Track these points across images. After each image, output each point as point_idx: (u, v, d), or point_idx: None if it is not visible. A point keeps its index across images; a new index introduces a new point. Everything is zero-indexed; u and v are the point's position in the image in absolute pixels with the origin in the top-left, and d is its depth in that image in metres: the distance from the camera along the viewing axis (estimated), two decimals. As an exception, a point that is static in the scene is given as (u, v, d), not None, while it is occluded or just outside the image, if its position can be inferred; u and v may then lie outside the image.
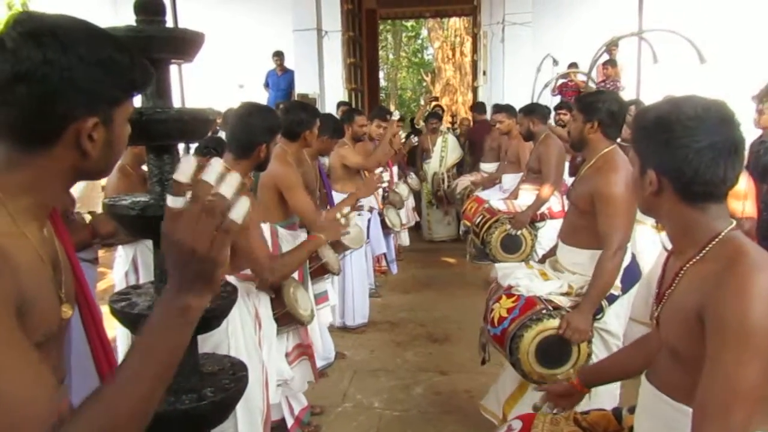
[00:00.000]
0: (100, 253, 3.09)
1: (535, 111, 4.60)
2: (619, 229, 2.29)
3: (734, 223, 1.21)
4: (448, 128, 8.76)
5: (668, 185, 1.20)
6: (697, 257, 1.20)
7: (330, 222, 2.54)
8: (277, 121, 2.39)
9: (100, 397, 0.83)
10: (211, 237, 0.79)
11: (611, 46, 7.20)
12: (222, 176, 0.79)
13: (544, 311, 2.29)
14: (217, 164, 0.79)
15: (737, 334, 1.04)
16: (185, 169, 0.79)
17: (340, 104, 7.36)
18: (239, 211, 0.79)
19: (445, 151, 7.06)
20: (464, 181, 6.27)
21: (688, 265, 1.22)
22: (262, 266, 2.19)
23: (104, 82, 0.90)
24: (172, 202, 0.79)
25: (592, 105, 2.45)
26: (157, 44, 1.54)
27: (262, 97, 8.51)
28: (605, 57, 6.94)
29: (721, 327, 1.06)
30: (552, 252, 2.79)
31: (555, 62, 6.15)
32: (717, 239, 1.18)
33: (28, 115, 0.87)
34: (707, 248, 1.19)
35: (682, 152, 1.15)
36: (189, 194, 0.78)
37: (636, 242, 2.92)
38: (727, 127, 1.16)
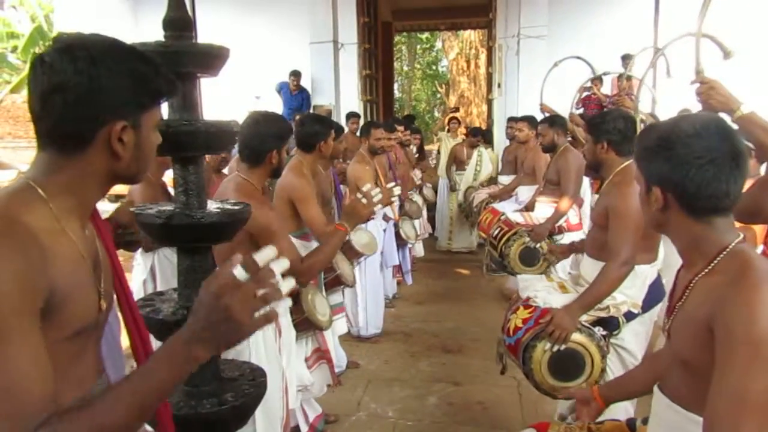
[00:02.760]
0: (121, 259, 3.15)
1: (557, 122, 4.63)
2: (628, 243, 2.31)
3: (742, 236, 1.23)
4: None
5: (673, 201, 1.24)
6: (706, 270, 1.22)
7: (352, 205, 2.47)
8: (286, 128, 2.44)
9: (94, 403, 0.90)
10: (253, 310, 0.89)
11: (627, 60, 7.21)
12: (272, 259, 0.90)
13: None
14: (285, 263, 0.91)
15: (746, 345, 1.06)
16: (266, 255, 0.90)
17: (349, 115, 7.42)
18: (280, 307, 0.91)
19: (479, 166, 7.11)
20: (481, 194, 6.30)
21: (697, 278, 1.24)
22: (294, 270, 2.21)
23: (130, 89, 1.00)
24: (240, 273, 0.88)
25: (598, 127, 2.51)
26: (184, 59, 1.60)
27: (277, 107, 8.60)
28: (615, 73, 6.92)
29: (730, 338, 1.08)
30: (582, 245, 2.80)
31: (555, 64, 6.18)
32: (725, 252, 1.21)
33: (64, 122, 0.97)
34: (716, 261, 1.21)
35: (684, 169, 1.19)
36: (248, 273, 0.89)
37: (668, 258, 2.89)
38: (726, 141, 1.19)
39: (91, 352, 1.08)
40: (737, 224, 2.44)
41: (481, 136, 7.50)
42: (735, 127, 2.06)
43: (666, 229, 1.31)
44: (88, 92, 0.96)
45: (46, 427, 0.84)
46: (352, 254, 3.83)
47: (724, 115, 2.08)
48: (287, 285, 0.90)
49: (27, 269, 0.87)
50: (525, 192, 5.31)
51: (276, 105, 8.72)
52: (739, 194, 1.22)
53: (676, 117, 1.30)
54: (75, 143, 0.99)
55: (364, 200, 2.44)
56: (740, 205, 2.13)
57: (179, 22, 1.66)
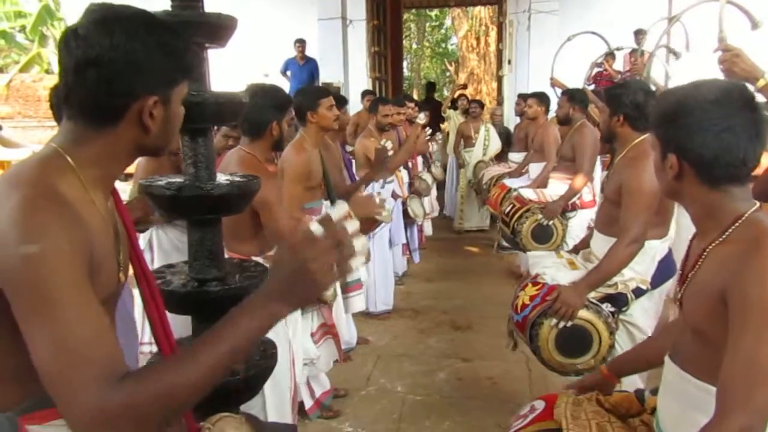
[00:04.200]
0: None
1: (576, 97, 4.55)
2: (638, 221, 2.27)
3: (757, 204, 1.21)
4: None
5: (689, 169, 1.22)
6: (720, 239, 1.21)
7: (364, 198, 2.51)
8: (284, 98, 2.43)
9: (179, 357, 0.92)
10: (329, 266, 0.90)
11: (639, 35, 7.09)
12: (357, 231, 0.93)
13: None
14: (356, 223, 0.93)
15: (759, 313, 1.05)
16: (339, 212, 0.92)
17: (365, 93, 7.36)
18: (356, 263, 0.93)
19: (488, 140, 7.05)
20: (492, 170, 6.26)
21: (710, 247, 1.23)
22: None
23: (164, 65, 1.00)
24: (316, 228, 0.90)
25: (617, 98, 2.44)
26: (192, 29, 1.58)
27: (284, 85, 8.55)
28: (627, 48, 6.80)
29: (744, 307, 1.08)
30: (584, 243, 2.78)
31: (569, 38, 6.07)
32: (740, 221, 1.19)
33: (97, 96, 0.97)
34: (730, 230, 1.20)
35: (701, 136, 1.17)
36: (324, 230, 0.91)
37: (681, 231, 2.85)
38: (746, 110, 1.17)
39: (111, 321, 1.09)
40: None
41: (480, 106, 7.43)
42: (759, 97, 2.03)
43: (680, 198, 1.29)
44: (124, 67, 0.96)
45: (128, 380, 0.85)
46: (370, 224, 3.82)
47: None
48: (360, 243, 0.92)
49: (73, 232, 0.89)
50: (535, 169, 5.27)
51: (284, 83, 8.67)
52: (756, 163, 1.19)
53: (697, 82, 1.25)
54: (107, 117, 0.99)
55: (377, 200, 2.56)
56: (758, 189, 2.10)
57: (186, -9, 1.64)
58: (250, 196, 1.74)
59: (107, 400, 0.82)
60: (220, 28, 1.64)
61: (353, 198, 2.61)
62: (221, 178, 1.74)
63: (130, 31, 0.97)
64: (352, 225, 0.92)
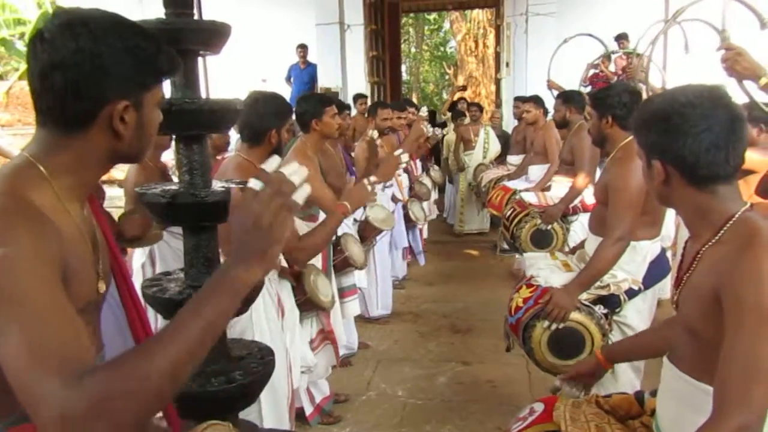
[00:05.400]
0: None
1: (572, 99, 4.53)
2: (623, 220, 2.28)
3: (748, 204, 1.23)
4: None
5: (674, 173, 1.24)
6: (713, 240, 1.22)
7: (356, 189, 2.54)
8: (285, 107, 2.44)
9: (146, 345, 0.88)
10: (275, 214, 0.88)
11: (621, 40, 7.13)
12: (295, 170, 0.91)
13: None
14: (295, 165, 0.92)
15: (754, 312, 1.06)
16: (271, 163, 0.92)
17: (356, 97, 7.36)
18: (301, 194, 0.90)
19: (488, 143, 7.05)
20: (490, 173, 6.26)
21: (704, 248, 1.24)
22: (288, 251, 2.23)
23: (132, 68, 0.98)
24: (254, 183, 0.90)
25: (604, 101, 2.48)
26: (185, 36, 1.59)
27: (284, 91, 8.57)
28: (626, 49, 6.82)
29: (738, 306, 1.08)
30: (581, 245, 2.78)
31: (565, 41, 6.08)
32: (732, 221, 1.20)
33: (65, 101, 0.95)
34: (722, 230, 1.21)
35: (681, 139, 1.19)
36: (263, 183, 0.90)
37: (682, 230, 2.85)
38: (721, 109, 1.19)
39: (91, 331, 1.07)
40: (755, 198, 2.42)
41: (480, 110, 7.44)
42: (762, 95, 2.03)
43: (671, 202, 1.31)
44: (89, 71, 0.94)
45: (93, 375, 0.79)
46: (371, 230, 3.83)
47: (748, 83, 2.06)
48: (303, 191, 0.91)
49: (45, 242, 0.88)
50: (535, 171, 5.27)
51: (283, 89, 8.69)
52: (740, 160, 1.21)
53: (672, 89, 1.30)
54: (76, 123, 0.97)
55: (369, 186, 2.53)
56: (766, 186, 2.11)
57: (180, -1, 1.64)
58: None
59: (73, 399, 0.76)
60: (212, 35, 1.64)
61: (346, 191, 2.63)
62: (216, 184, 1.74)
63: (96, 34, 0.94)
64: (299, 174, 0.91)
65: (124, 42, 0.97)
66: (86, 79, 0.94)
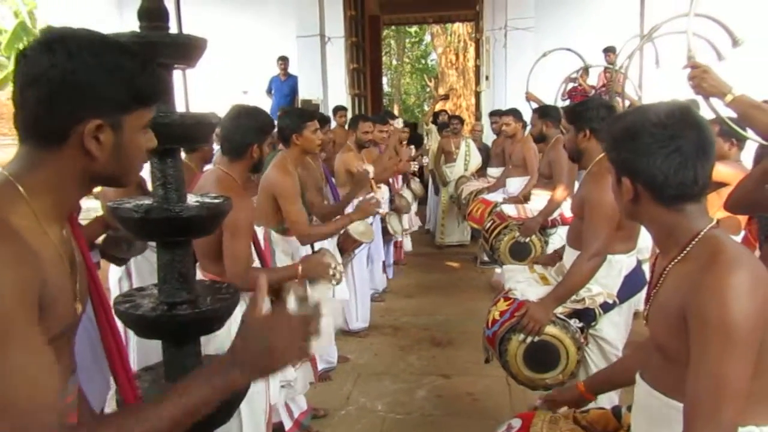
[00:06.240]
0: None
1: (548, 114, 4.58)
2: (599, 234, 2.29)
3: (714, 221, 1.24)
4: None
5: (643, 191, 1.24)
6: (679, 257, 1.23)
7: (314, 259, 2.59)
8: (267, 121, 2.43)
9: (121, 417, 0.92)
10: (295, 350, 0.92)
11: (609, 53, 7.23)
12: (332, 309, 0.95)
13: None
14: (336, 303, 0.91)
15: (719, 331, 1.06)
16: (321, 294, 0.95)
17: (336, 109, 7.36)
18: (319, 345, 0.94)
19: (469, 156, 7.08)
20: (470, 186, 6.29)
21: (670, 266, 1.25)
22: (234, 274, 2.19)
23: (107, 86, 0.95)
24: (293, 305, 0.93)
25: (581, 115, 2.48)
26: (160, 50, 1.57)
27: (265, 103, 8.56)
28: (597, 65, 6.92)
29: (703, 326, 1.08)
30: (554, 256, 2.80)
31: (544, 54, 6.17)
32: (697, 239, 1.21)
33: (37, 116, 0.94)
34: (688, 248, 1.22)
35: (651, 159, 1.20)
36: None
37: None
38: (692, 129, 1.19)
39: (65, 353, 1.05)
40: (726, 212, 2.46)
41: (461, 122, 7.50)
42: (729, 111, 2.07)
43: (640, 218, 1.32)
44: (61, 87, 0.92)
45: None
46: (350, 243, 3.83)
47: (715, 100, 2.09)
48: (330, 323, 0.93)
49: (23, 270, 0.85)
50: (514, 183, 5.31)
51: (264, 101, 8.67)
52: (708, 180, 1.22)
53: (642, 106, 1.31)
54: (50, 139, 0.95)
55: (374, 201, 2.49)
56: (735, 199, 2.14)
57: (154, 12, 1.62)
58: (221, 218, 1.72)
59: None
60: (187, 49, 1.62)
61: (305, 258, 2.64)
62: (191, 199, 1.72)
63: (72, 50, 0.93)
64: (329, 305, 0.94)
65: (100, 59, 0.94)
66: (58, 95, 0.92)
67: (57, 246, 0.98)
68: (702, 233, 1.21)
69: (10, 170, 0.97)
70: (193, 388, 0.93)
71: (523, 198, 4.87)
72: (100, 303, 1.19)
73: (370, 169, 2.78)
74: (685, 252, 1.22)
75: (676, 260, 1.23)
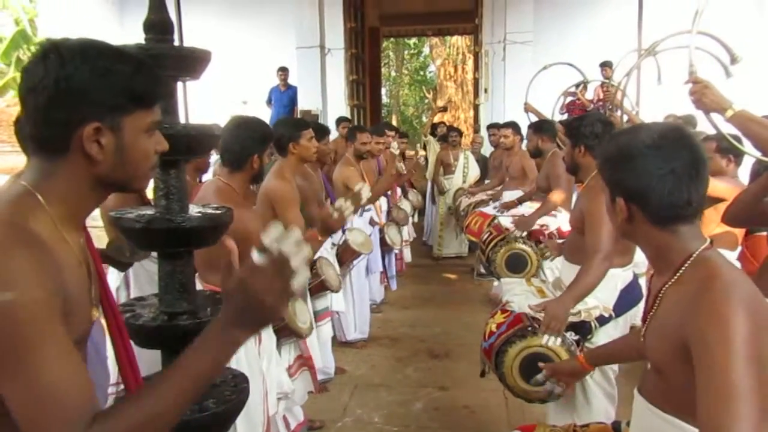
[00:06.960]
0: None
1: (544, 128, 4.62)
2: (605, 240, 2.30)
3: (708, 242, 1.24)
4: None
5: (637, 211, 1.25)
6: (673, 279, 1.23)
7: (323, 217, 2.53)
8: (267, 132, 2.44)
9: (136, 398, 0.94)
10: (278, 293, 0.92)
11: (605, 67, 7.28)
12: (298, 244, 0.92)
13: (529, 328, 2.28)
14: (296, 234, 0.92)
15: (721, 346, 1.05)
16: (273, 234, 0.92)
17: (339, 120, 7.39)
18: (299, 281, 0.93)
19: (467, 168, 7.11)
20: (467, 199, 6.31)
21: (665, 287, 1.25)
22: None
23: (100, 89, 0.96)
24: (257, 257, 0.91)
25: (577, 130, 2.54)
26: (164, 62, 1.58)
27: (265, 114, 8.59)
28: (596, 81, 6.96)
29: (706, 349, 1.07)
30: (562, 246, 2.81)
31: (545, 67, 6.21)
32: (690, 261, 1.21)
33: (37, 125, 0.96)
34: (682, 270, 1.22)
35: (644, 180, 1.20)
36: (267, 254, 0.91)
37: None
38: (685, 150, 1.20)
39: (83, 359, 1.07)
40: (724, 226, 2.48)
41: (459, 134, 7.54)
42: (729, 127, 2.09)
43: (634, 238, 1.33)
44: (55, 93, 0.93)
45: (94, 426, 0.86)
46: (349, 254, 3.82)
47: (716, 115, 2.12)
48: (300, 257, 0.92)
49: (48, 275, 0.88)
50: (510, 196, 5.33)
51: (263, 111, 8.70)
52: (702, 201, 1.23)
53: (636, 126, 1.32)
54: (55, 147, 0.96)
55: (335, 214, 2.51)
56: (732, 212, 2.16)
57: (160, 24, 1.64)
58: (222, 229, 1.73)
59: None
60: (192, 61, 1.64)
61: (319, 220, 2.62)
62: (193, 210, 1.73)
63: (64, 58, 0.94)
64: (291, 240, 0.92)
65: (92, 64, 0.95)
66: (53, 101, 0.94)
67: (77, 253, 1.00)
68: (695, 255, 1.21)
69: (27, 180, 0.98)
70: (196, 359, 0.93)
71: (518, 201, 4.90)
72: (110, 308, 1.19)
73: (366, 190, 2.76)
74: (678, 274, 1.22)
75: (670, 282, 1.24)
